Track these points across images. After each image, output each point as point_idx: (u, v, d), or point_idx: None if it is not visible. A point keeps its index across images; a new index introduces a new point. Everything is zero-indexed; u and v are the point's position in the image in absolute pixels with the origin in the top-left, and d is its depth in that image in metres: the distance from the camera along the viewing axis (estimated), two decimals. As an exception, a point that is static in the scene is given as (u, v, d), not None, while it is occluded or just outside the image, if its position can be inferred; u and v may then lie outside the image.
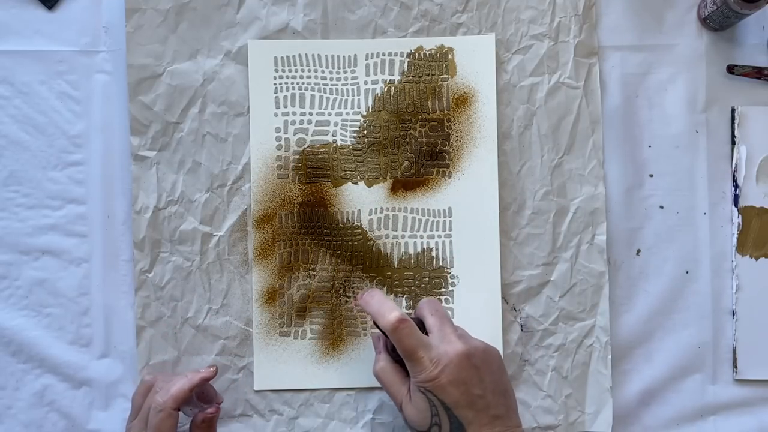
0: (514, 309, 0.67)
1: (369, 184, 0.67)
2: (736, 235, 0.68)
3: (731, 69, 0.69)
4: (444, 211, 0.67)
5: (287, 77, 0.68)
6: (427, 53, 0.68)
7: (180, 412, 0.60)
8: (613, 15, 0.69)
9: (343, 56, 0.68)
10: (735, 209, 0.68)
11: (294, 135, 0.67)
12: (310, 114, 0.68)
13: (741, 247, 0.68)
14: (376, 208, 0.67)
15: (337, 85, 0.68)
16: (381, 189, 0.67)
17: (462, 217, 0.67)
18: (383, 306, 0.57)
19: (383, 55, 0.68)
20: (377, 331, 0.60)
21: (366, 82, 0.68)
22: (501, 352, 0.66)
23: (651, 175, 0.69)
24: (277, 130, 0.67)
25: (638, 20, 0.69)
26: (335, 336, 0.67)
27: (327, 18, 0.68)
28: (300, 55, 0.68)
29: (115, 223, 0.68)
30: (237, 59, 0.68)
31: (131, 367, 0.67)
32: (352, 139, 0.67)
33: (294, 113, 0.67)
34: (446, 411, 0.55)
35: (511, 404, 0.57)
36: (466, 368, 0.55)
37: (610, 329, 0.67)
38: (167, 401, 0.59)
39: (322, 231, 0.67)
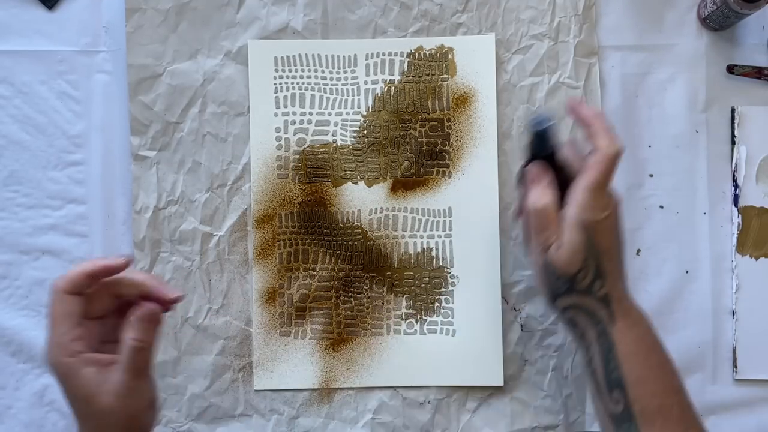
0: (514, 309, 0.67)
1: (369, 184, 0.67)
2: (736, 235, 0.68)
3: (731, 69, 0.69)
4: (444, 211, 0.67)
5: (287, 77, 0.68)
6: (427, 53, 0.68)
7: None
8: (613, 15, 0.69)
9: (343, 56, 0.68)
10: (735, 209, 0.68)
11: (294, 135, 0.67)
12: (310, 114, 0.68)
13: (741, 247, 0.68)
14: (376, 208, 0.67)
15: (337, 85, 0.68)
16: (381, 189, 0.67)
17: (462, 217, 0.67)
18: (607, 131, 0.55)
19: (383, 55, 0.68)
20: (535, 163, 0.57)
21: (366, 82, 0.68)
22: (501, 352, 0.66)
23: (651, 175, 0.69)
24: (277, 130, 0.67)
25: (638, 20, 0.69)
26: (335, 336, 0.67)
27: (327, 18, 0.68)
28: (300, 55, 0.68)
29: (115, 223, 0.68)
30: (237, 59, 0.68)
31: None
32: (352, 139, 0.67)
33: (294, 113, 0.67)
34: (595, 257, 0.54)
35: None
36: (621, 218, 0.56)
37: (610, 329, 0.67)
38: (60, 282, 0.48)
39: (322, 231, 0.67)
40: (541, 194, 0.56)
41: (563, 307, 0.56)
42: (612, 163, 0.54)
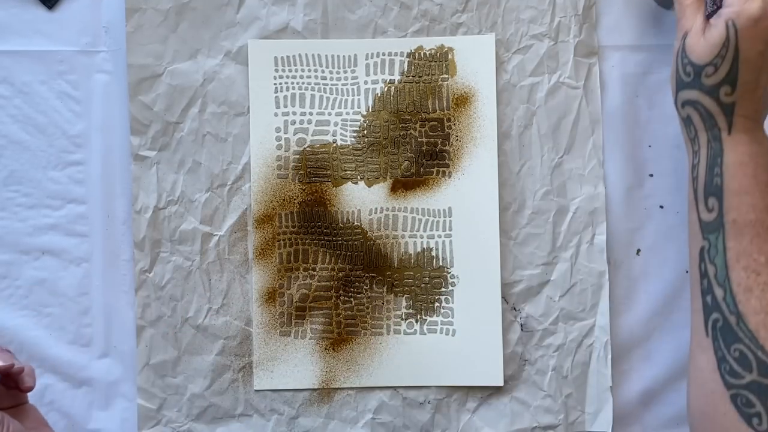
0: (514, 309, 0.67)
1: (369, 184, 0.67)
2: (736, 235, 0.68)
3: (731, 69, 0.69)
4: (444, 211, 0.67)
5: (287, 77, 0.68)
6: (427, 53, 0.68)
7: None
8: (613, 15, 0.69)
9: (343, 56, 0.68)
10: (735, 209, 0.68)
11: (294, 135, 0.67)
12: (310, 114, 0.68)
13: (741, 247, 0.68)
14: (376, 208, 0.67)
15: (337, 85, 0.68)
16: (381, 189, 0.67)
17: (462, 217, 0.67)
18: None
19: (383, 55, 0.68)
20: None
21: (366, 82, 0.68)
22: (501, 352, 0.66)
23: (651, 175, 0.69)
24: (277, 129, 0.67)
25: (638, 20, 0.69)
26: (335, 336, 0.67)
27: (327, 18, 0.68)
28: (300, 55, 0.68)
29: (115, 222, 0.68)
30: (237, 59, 0.68)
31: (131, 367, 0.67)
32: (352, 139, 0.68)
33: (294, 113, 0.67)
34: (732, 61, 0.52)
35: None
36: None
37: (610, 329, 0.67)
38: None
39: (322, 231, 0.67)
40: None
41: (683, 101, 0.54)
42: None
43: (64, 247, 0.67)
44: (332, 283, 0.67)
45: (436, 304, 0.67)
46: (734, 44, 0.53)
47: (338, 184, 0.67)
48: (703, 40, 0.54)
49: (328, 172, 0.67)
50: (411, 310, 0.67)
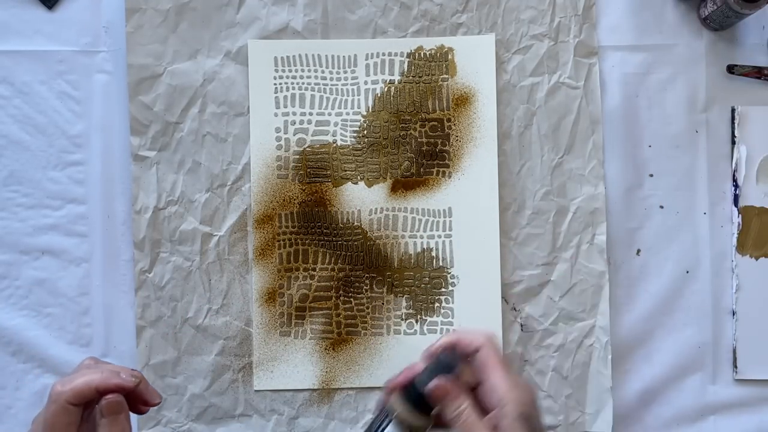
0: (514, 309, 0.67)
1: (369, 184, 0.67)
2: (736, 235, 0.68)
3: (731, 69, 0.69)
4: (444, 211, 0.67)
5: (287, 77, 0.68)
6: (427, 53, 0.68)
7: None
8: (613, 15, 0.69)
9: (343, 56, 0.68)
10: (735, 209, 0.68)
11: (294, 135, 0.67)
12: (310, 114, 0.68)
13: (741, 247, 0.68)
14: (376, 208, 0.67)
15: (337, 85, 0.68)
16: (381, 189, 0.67)
17: (462, 217, 0.67)
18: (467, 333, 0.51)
19: (383, 55, 0.68)
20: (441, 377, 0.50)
21: (366, 82, 0.68)
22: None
23: (651, 175, 0.69)
24: (277, 130, 0.67)
25: (638, 20, 0.69)
26: (335, 336, 0.67)
27: (327, 18, 0.68)
28: (300, 55, 0.68)
29: (115, 223, 0.68)
30: (237, 59, 0.68)
31: (131, 367, 0.67)
32: (352, 139, 0.67)
33: (294, 113, 0.67)
34: None
35: None
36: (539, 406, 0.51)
37: (610, 329, 0.67)
38: (65, 392, 0.46)
39: (322, 231, 0.67)
40: (460, 400, 0.49)
41: None
42: (497, 351, 0.50)
43: (64, 247, 0.67)
44: (332, 283, 0.67)
45: (436, 304, 0.67)
46: None
47: (338, 184, 0.67)
48: None
49: (328, 172, 0.67)
50: (411, 311, 0.67)
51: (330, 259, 0.67)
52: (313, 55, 0.68)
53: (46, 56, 0.68)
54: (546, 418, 0.66)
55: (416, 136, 0.67)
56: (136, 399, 0.49)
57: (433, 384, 0.49)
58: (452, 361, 0.50)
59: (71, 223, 0.67)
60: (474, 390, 0.50)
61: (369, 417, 0.66)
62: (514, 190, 0.67)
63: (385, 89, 0.68)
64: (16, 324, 0.67)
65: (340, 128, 0.67)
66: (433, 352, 0.51)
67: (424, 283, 0.67)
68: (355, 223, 0.67)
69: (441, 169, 0.67)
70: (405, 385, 0.50)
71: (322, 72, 0.68)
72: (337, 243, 0.67)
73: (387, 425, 0.50)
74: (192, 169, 0.67)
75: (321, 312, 0.67)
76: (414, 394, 0.49)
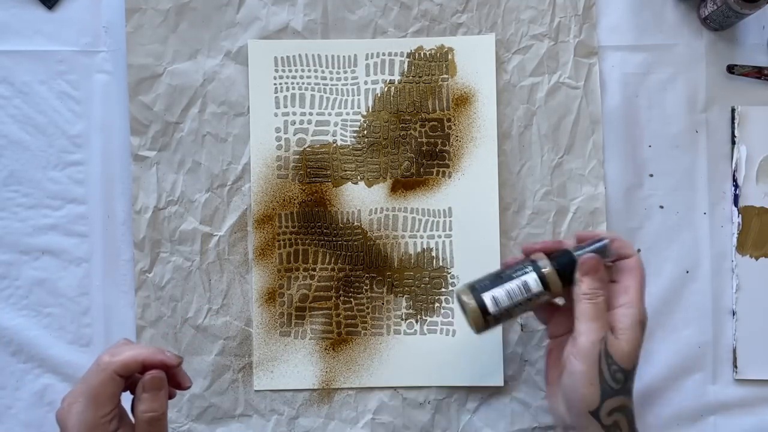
0: (514, 309, 0.67)
1: (369, 184, 0.67)
2: (736, 235, 0.68)
3: (731, 69, 0.69)
4: (444, 211, 0.67)
5: (287, 77, 0.68)
6: (427, 53, 0.68)
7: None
8: (613, 15, 0.69)
9: (343, 56, 0.68)
10: (735, 209, 0.68)
11: (294, 135, 0.67)
12: (310, 114, 0.68)
13: (741, 247, 0.68)
14: (376, 208, 0.67)
15: (337, 85, 0.68)
16: (381, 189, 0.67)
17: (462, 217, 0.67)
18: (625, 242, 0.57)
19: (383, 55, 0.68)
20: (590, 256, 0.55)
21: (366, 82, 0.68)
22: (501, 353, 0.66)
23: (651, 175, 0.69)
24: (277, 130, 0.67)
25: (638, 20, 0.69)
26: (335, 336, 0.67)
27: (327, 18, 0.68)
28: (300, 55, 0.68)
29: (115, 223, 0.68)
30: (237, 59, 0.68)
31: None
32: (352, 139, 0.67)
33: (294, 113, 0.67)
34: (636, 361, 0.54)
35: None
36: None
37: (610, 329, 0.67)
38: (114, 362, 0.48)
39: (322, 231, 0.67)
40: (601, 284, 0.55)
41: (611, 409, 0.53)
42: (643, 269, 0.56)
43: (64, 247, 0.67)
44: (332, 283, 0.67)
45: (436, 304, 0.67)
46: (641, 347, 0.55)
47: (338, 184, 0.67)
48: (627, 345, 0.53)
49: (328, 172, 0.67)
50: (411, 311, 0.67)
51: (330, 259, 0.67)
52: (313, 55, 0.68)
53: (46, 56, 0.68)
54: (546, 418, 0.66)
55: (416, 136, 0.67)
56: (171, 380, 0.52)
57: (590, 255, 0.55)
58: (606, 251, 0.56)
59: (71, 223, 0.67)
60: None
61: (369, 417, 0.66)
62: (514, 190, 0.67)
63: (385, 89, 0.68)
64: (16, 324, 0.67)
65: (340, 128, 0.67)
66: (589, 235, 0.57)
67: (424, 283, 0.67)
68: (355, 223, 0.67)
69: (441, 169, 0.67)
70: (552, 252, 0.56)
71: (322, 72, 0.68)
72: (337, 243, 0.67)
73: (530, 274, 0.56)
74: (192, 169, 0.67)
75: (321, 312, 0.67)
76: (564, 260, 0.56)
